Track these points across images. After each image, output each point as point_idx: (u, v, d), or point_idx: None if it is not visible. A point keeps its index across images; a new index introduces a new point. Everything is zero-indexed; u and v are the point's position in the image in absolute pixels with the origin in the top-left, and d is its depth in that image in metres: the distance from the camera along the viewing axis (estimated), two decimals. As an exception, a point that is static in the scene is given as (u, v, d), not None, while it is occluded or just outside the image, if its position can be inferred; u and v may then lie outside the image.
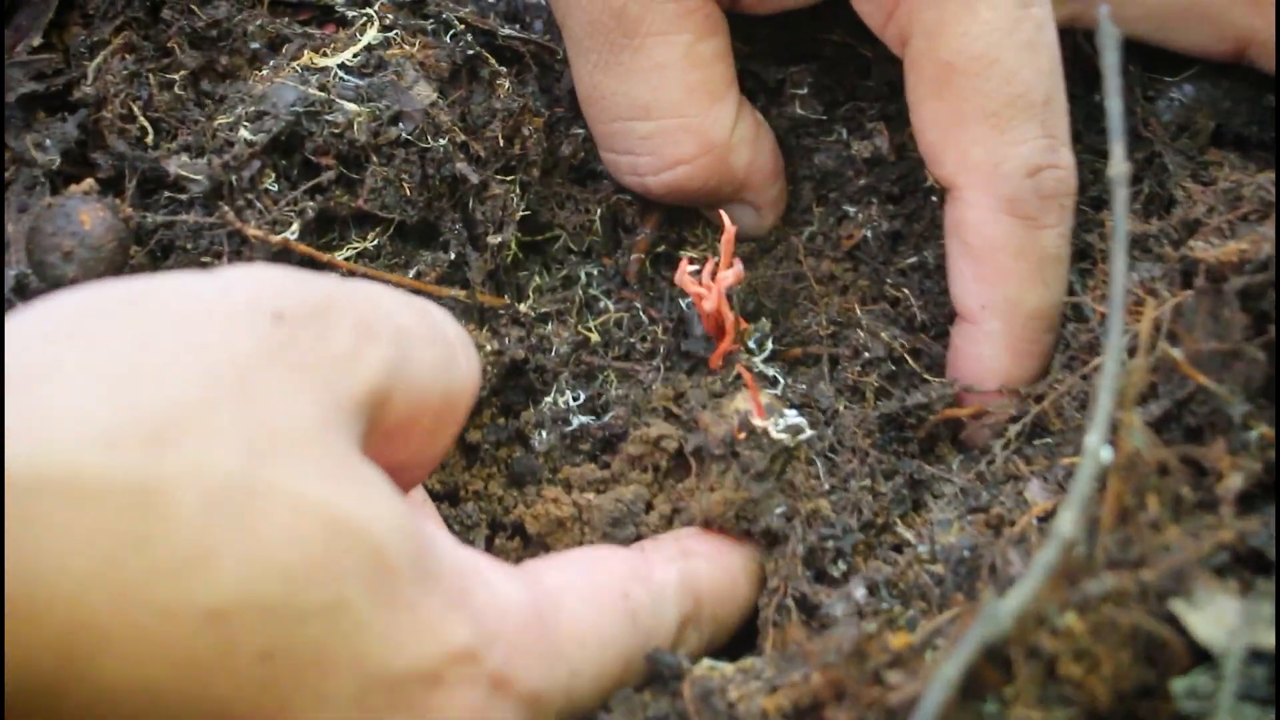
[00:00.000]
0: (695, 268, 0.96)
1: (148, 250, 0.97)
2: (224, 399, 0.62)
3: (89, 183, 0.96)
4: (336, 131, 0.95)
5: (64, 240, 0.92)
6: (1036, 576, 0.68)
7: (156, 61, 1.03)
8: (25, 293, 0.95)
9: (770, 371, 1.01)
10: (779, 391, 0.99)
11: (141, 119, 1.00)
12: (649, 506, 0.94)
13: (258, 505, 0.61)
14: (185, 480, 0.59)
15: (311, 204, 0.96)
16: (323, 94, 0.96)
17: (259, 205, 0.95)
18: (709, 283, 0.96)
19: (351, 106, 0.96)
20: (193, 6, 1.03)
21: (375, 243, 0.98)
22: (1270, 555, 0.74)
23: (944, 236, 1.00)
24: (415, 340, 0.73)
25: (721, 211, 0.98)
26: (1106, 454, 0.70)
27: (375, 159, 0.97)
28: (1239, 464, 0.78)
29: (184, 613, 0.59)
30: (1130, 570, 0.72)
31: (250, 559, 0.60)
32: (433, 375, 0.74)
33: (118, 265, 0.94)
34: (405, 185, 0.97)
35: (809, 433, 0.93)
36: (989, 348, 0.98)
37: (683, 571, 0.86)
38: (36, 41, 1.02)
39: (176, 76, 1.02)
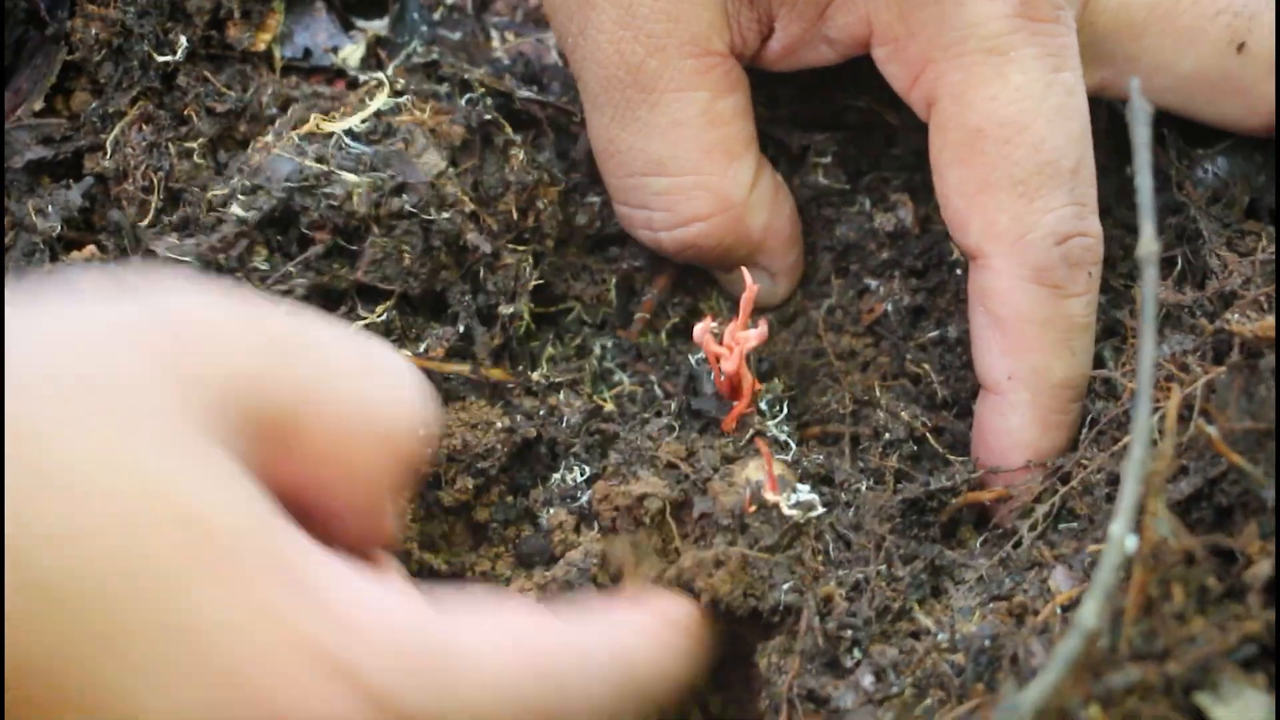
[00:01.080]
0: (715, 325, 0.94)
1: None
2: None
3: (90, 249, 0.95)
4: (335, 205, 0.93)
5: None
6: (1058, 668, 0.65)
7: (174, 130, 1.02)
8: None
9: (782, 436, 0.98)
10: (790, 458, 0.96)
11: (157, 192, 0.99)
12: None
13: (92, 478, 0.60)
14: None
15: (303, 281, 0.94)
16: (321, 166, 0.94)
17: (249, 284, 0.94)
18: (729, 343, 0.93)
19: (350, 178, 0.94)
20: (207, 74, 1.02)
21: (384, 317, 0.96)
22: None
23: (967, 307, 0.98)
24: (331, 365, 0.71)
25: (743, 269, 0.96)
26: (1131, 543, 0.68)
27: (375, 230, 0.94)
28: (1269, 549, 0.75)
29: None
30: (1155, 663, 0.70)
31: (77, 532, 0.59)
32: (356, 405, 0.71)
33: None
34: (406, 256, 0.95)
35: (820, 510, 0.90)
36: (1016, 419, 0.96)
37: (616, 643, 0.81)
38: (38, 106, 1.01)
39: (195, 145, 1.00)
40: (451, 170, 0.97)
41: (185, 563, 0.61)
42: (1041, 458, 0.96)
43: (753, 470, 0.91)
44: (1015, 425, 0.96)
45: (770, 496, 0.88)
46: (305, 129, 0.97)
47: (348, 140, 0.96)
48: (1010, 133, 0.92)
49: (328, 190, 0.94)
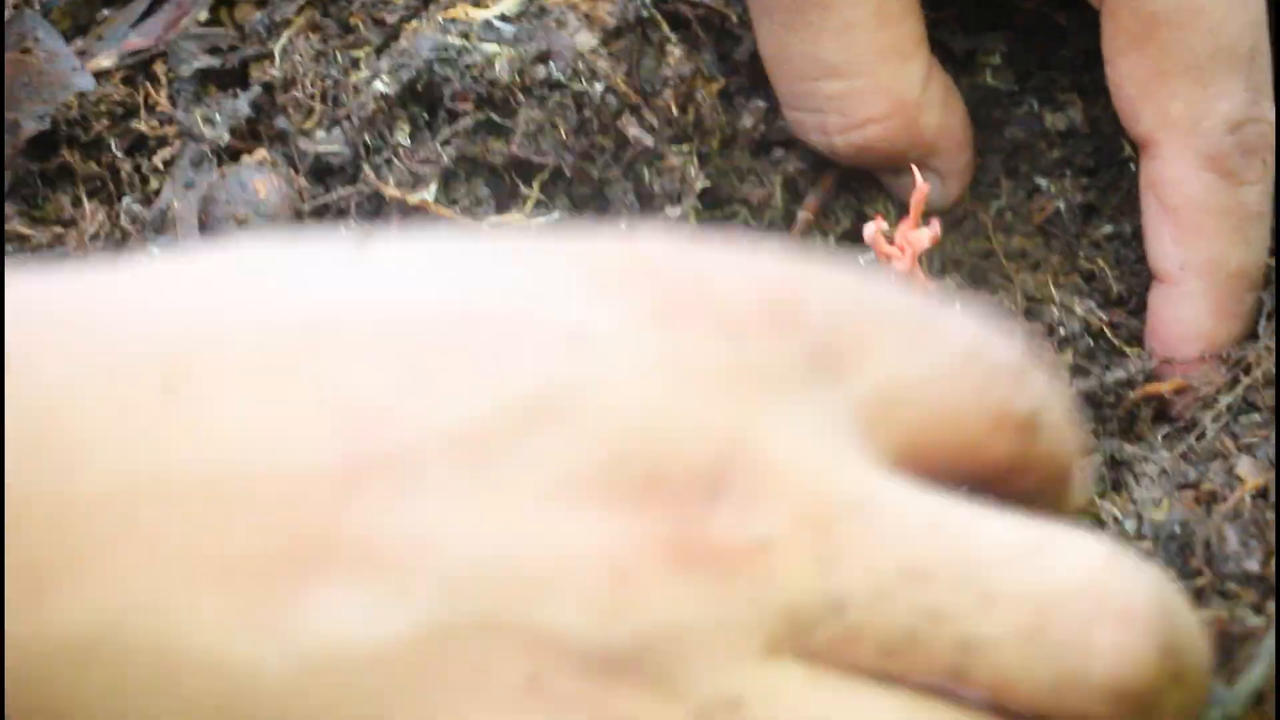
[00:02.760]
0: (886, 226, 0.92)
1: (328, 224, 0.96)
2: None
3: (262, 153, 0.97)
4: (476, 74, 0.94)
5: (239, 208, 0.92)
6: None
7: (341, 39, 1.02)
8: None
9: None
10: None
11: (321, 100, 0.99)
12: None
13: None
14: None
15: (450, 151, 0.94)
16: (465, 41, 0.95)
17: (396, 162, 0.94)
18: (901, 244, 0.92)
19: (491, 47, 0.94)
20: (372, -19, 1.03)
21: (555, 216, 0.96)
22: None
23: (1140, 198, 0.97)
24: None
25: (914, 166, 0.95)
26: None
27: (524, 99, 0.95)
28: None
29: None
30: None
31: None
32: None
33: (291, 235, 0.93)
34: (561, 129, 0.95)
35: None
36: (1190, 309, 0.94)
37: None
38: (203, 16, 1.02)
39: (361, 54, 1.01)
40: (604, 51, 0.97)
41: None
42: (1217, 348, 0.94)
43: None
44: (1189, 315, 0.94)
45: None
46: (450, 14, 0.97)
47: (497, 22, 0.96)
48: (1186, 17, 0.91)
49: (469, 61, 0.94)
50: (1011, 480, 0.61)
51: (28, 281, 0.57)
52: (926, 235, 0.91)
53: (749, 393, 0.55)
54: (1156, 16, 0.91)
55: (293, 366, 0.53)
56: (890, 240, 0.92)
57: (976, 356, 0.60)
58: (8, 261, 0.86)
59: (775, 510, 0.53)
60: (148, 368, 0.53)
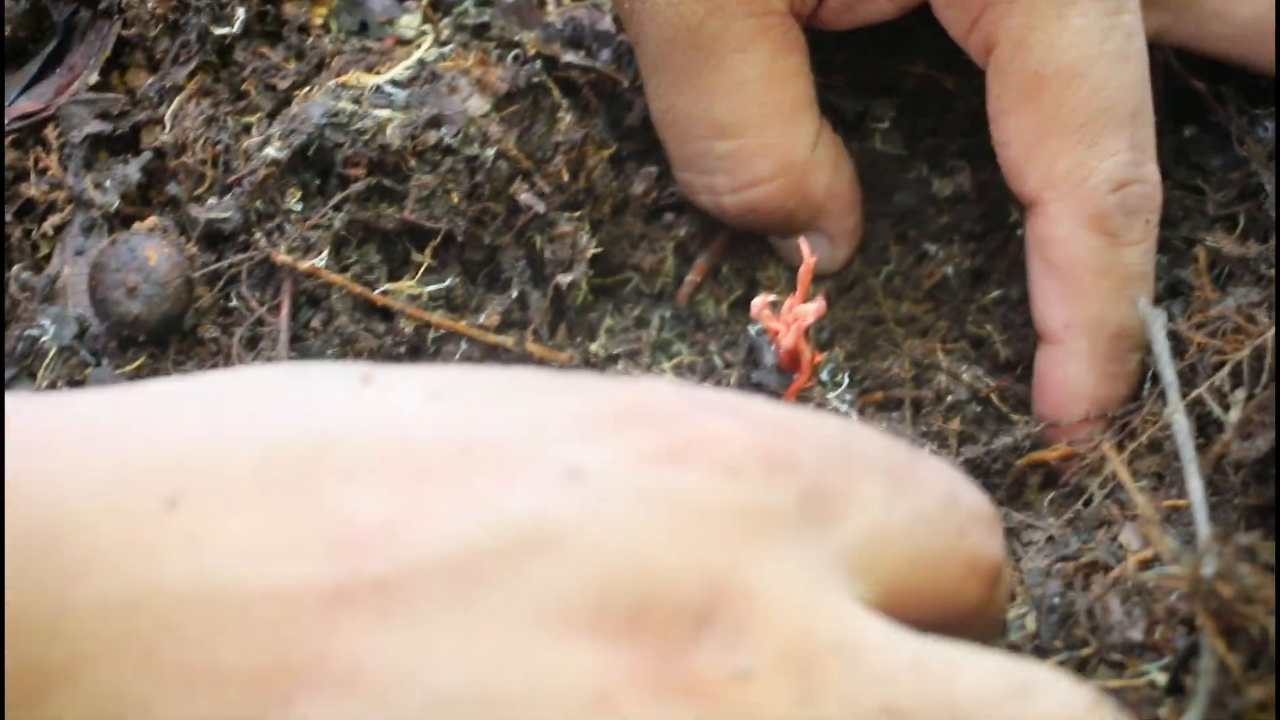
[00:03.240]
0: (774, 297, 0.93)
1: (219, 290, 0.96)
2: None
3: (153, 220, 0.96)
4: (367, 138, 0.94)
5: (129, 276, 0.91)
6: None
7: (232, 105, 1.02)
8: (84, 335, 0.95)
9: (843, 407, 0.96)
10: None
11: (213, 165, 0.99)
12: None
13: None
14: None
15: (342, 216, 0.94)
16: (356, 106, 0.95)
17: (288, 227, 0.94)
18: (786, 318, 0.92)
19: (383, 112, 0.94)
20: (264, 49, 1.03)
21: (446, 283, 0.96)
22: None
23: (1026, 259, 0.97)
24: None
25: (800, 241, 0.94)
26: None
27: (415, 164, 0.95)
28: None
29: None
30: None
31: None
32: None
33: (183, 303, 0.93)
34: (454, 194, 0.95)
35: None
36: (1075, 369, 0.95)
37: None
38: (94, 79, 1.01)
39: (253, 120, 1.01)
40: (496, 116, 0.97)
41: None
42: (1100, 409, 0.95)
43: None
44: (1073, 375, 0.95)
45: None
46: (344, 79, 0.97)
47: (389, 88, 0.96)
48: (1069, 77, 0.91)
49: (361, 126, 0.94)
50: (968, 624, 0.63)
51: (43, 397, 0.58)
52: (812, 310, 0.91)
53: (741, 532, 0.56)
54: (1041, 75, 0.92)
55: (292, 487, 0.54)
56: (777, 314, 0.92)
57: (954, 505, 0.63)
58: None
59: (759, 646, 0.54)
60: (151, 484, 0.54)
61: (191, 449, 0.55)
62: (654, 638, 0.53)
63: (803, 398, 0.95)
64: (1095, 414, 0.94)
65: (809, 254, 0.92)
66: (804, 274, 0.92)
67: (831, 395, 0.97)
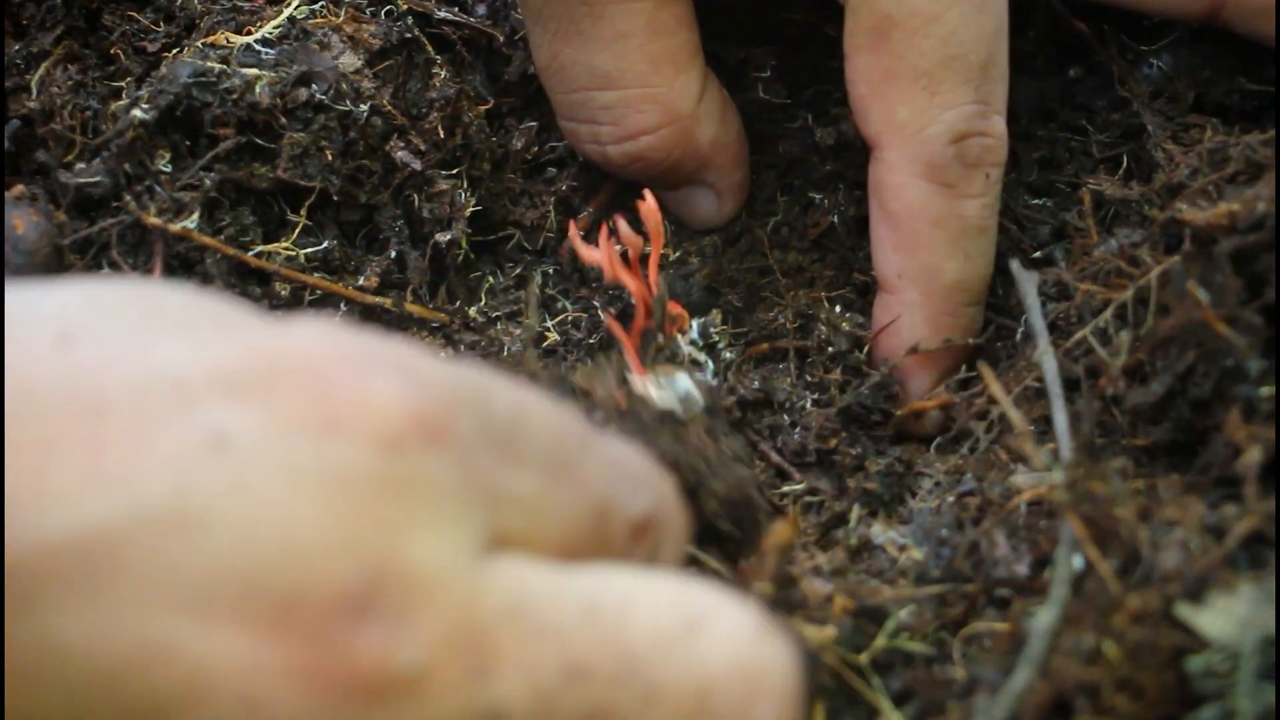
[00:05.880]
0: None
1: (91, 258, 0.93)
2: None
3: (20, 188, 0.94)
4: (235, 98, 0.91)
5: (-4, 246, 0.89)
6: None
7: (101, 70, 1.00)
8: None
9: (701, 357, 0.94)
10: (707, 376, 0.93)
11: (82, 132, 0.97)
12: None
13: None
14: None
15: (213, 177, 0.92)
16: (223, 65, 0.93)
17: (159, 190, 0.92)
18: (607, 250, 0.89)
19: (251, 71, 0.92)
20: (132, 12, 1.01)
21: (323, 245, 0.95)
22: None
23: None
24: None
25: (647, 192, 0.91)
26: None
27: (287, 123, 0.93)
28: (1257, 433, 0.72)
29: None
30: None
31: None
32: None
33: (51, 270, 0.91)
34: (327, 152, 0.93)
35: (701, 403, 0.84)
36: (906, 318, 0.94)
37: None
38: (-42, 48, 0.99)
39: (123, 84, 0.98)
40: (369, 72, 0.96)
41: None
42: (932, 362, 0.95)
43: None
44: (905, 324, 0.95)
45: (636, 382, 0.82)
46: (212, 39, 0.95)
47: (258, 46, 0.94)
48: (920, 22, 0.90)
49: (229, 85, 0.92)
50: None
51: None
52: (630, 234, 0.86)
53: (399, 509, 0.53)
54: (891, 18, 0.90)
55: None
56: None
57: (609, 502, 0.62)
58: None
59: (425, 629, 0.52)
60: None
61: None
62: (310, 629, 0.50)
63: (646, 341, 0.92)
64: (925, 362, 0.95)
65: (650, 198, 0.89)
66: (647, 213, 0.89)
67: (683, 341, 0.94)
